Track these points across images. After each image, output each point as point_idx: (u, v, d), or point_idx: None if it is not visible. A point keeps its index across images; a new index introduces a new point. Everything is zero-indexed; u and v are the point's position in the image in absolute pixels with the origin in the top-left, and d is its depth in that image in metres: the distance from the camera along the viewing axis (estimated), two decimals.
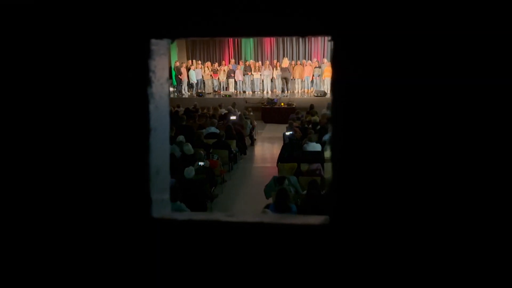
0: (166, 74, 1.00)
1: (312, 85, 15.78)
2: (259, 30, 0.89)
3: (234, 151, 8.76)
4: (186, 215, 1.00)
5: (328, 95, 14.73)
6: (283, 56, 18.11)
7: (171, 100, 14.74)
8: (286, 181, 5.77)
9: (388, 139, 0.86)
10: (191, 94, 16.04)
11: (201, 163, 6.76)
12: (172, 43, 1.00)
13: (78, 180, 0.98)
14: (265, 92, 15.83)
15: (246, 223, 0.95)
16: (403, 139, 0.86)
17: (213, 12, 0.86)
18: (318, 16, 0.84)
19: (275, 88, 16.02)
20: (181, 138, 7.89)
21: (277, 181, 5.85)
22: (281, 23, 0.85)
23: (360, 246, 0.90)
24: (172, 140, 7.94)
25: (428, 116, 0.83)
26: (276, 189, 5.66)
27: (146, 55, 0.91)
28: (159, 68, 0.95)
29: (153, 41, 0.92)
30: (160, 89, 0.97)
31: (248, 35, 0.94)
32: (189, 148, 7.48)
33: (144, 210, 0.96)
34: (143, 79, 0.92)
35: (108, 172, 0.97)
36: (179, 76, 15.74)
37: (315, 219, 0.95)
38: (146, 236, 0.96)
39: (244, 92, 16.01)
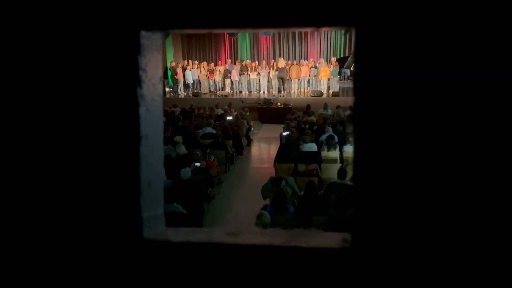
0: (159, 73, 0.87)
1: (308, 85, 15.77)
2: (266, 21, 0.75)
3: (231, 152, 8.72)
4: (183, 235, 0.85)
5: (325, 95, 14.78)
6: (280, 56, 18.10)
7: (167, 100, 14.73)
8: (283, 182, 5.73)
9: (423, 143, 0.73)
10: (187, 94, 15.98)
11: (197, 164, 6.71)
12: (166, 37, 0.92)
13: (55, 196, 0.84)
14: (261, 92, 15.79)
15: (253, 246, 0.80)
16: (441, 143, 0.73)
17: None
18: (338, 4, 0.72)
19: (272, 88, 15.99)
20: (177, 138, 7.84)
21: (274, 181, 5.81)
22: (292, 12, 0.73)
23: (390, 275, 0.75)
24: (168, 140, 7.88)
25: (467, 116, 0.71)
26: (273, 189, 5.62)
27: (135, 50, 0.79)
28: (151, 66, 0.83)
29: (144, 33, 0.79)
30: (152, 90, 0.84)
31: (253, 26, 0.78)
32: (181, 149, 7.43)
33: (133, 231, 0.82)
34: (132, 78, 0.79)
35: (90, 187, 0.83)
36: (175, 76, 15.67)
37: (333, 240, 0.80)
38: (136, 261, 0.83)
39: (241, 92, 15.96)
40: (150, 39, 0.81)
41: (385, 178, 0.75)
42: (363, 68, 0.74)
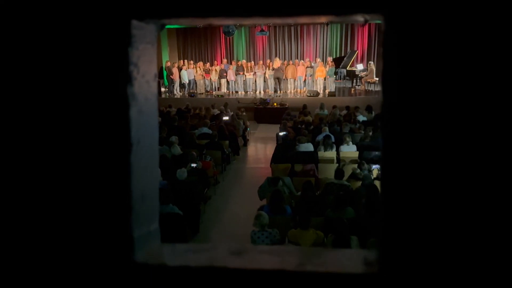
0: (154, 70, 0.75)
1: (304, 85, 15.75)
2: (275, 7, 0.63)
3: (227, 152, 8.67)
4: (181, 255, 0.72)
5: (321, 95, 14.76)
6: (276, 56, 18.06)
7: (163, 100, 14.64)
8: (280, 182, 5.69)
9: (471, 147, 0.61)
10: (183, 94, 15.90)
11: (193, 165, 6.66)
12: (161, 30, 0.78)
13: (34, 212, 0.71)
14: (257, 92, 15.75)
15: (262, 272, 0.68)
16: (491, 148, 0.61)
17: None
18: None
19: (268, 88, 15.95)
20: (173, 138, 7.78)
21: (271, 182, 5.77)
22: None
23: None
24: (164, 141, 7.82)
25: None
26: (270, 190, 5.58)
27: (125, 41, 0.67)
28: (143, 61, 0.71)
29: (135, 23, 0.68)
30: (146, 89, 0.72)
31: (261, 14, 0.64)
32: (177, 149, 7.37)
33: (123, 253, 0.70)
34: (121, 74, 0.67)
35: (71, 202, 0.70)
36: (170, 76, 15.59)
37: (354, 263, 0.67)
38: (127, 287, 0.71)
39: (237, 92, 15.91)
40: (143, 30, 0.70)
41: (423, 186, 0.62)
42: (393, 62, 0.64)
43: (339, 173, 5.82)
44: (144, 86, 0.72)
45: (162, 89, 16.15)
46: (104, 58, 0.68)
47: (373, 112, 11.03)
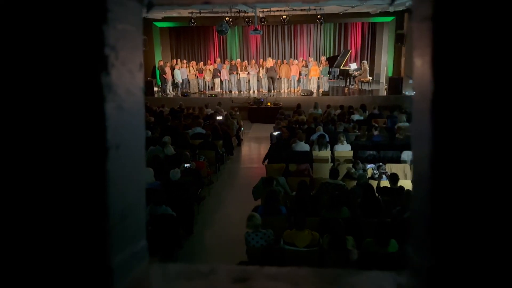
0: (139, 58, 0.62)
1: (298, 85, 15.72)
2: None
3: (221, 152, 8.60)
4: (172, 281, 0.63)
5: (315, 94, 14.74)
6: (269, 55, 18.02)
7: (156, 100, 14.53)
8: (274, 182, 5.64)
9: None
10: (176, 94, 15.79)
11: (187, 165, 6.59)
12: (148, 10, 0.65)
13: None
14: (251, 91, 15.69)
15: None
16: None
17: None
18: None
19: (262, 87, 15.90)
20: (166, 139, 7.70)
21: (265, 182, 5.72)
22: None
23: None
24: (157, 141, 7.73)
25: None
26: (265, 190, 5.53)
27: (99, 16, 0.53)
28: (125, 45, 0.57)
29: None
30: (128, 80, 0.58)
31: None
32: (170, 149, 7.30)
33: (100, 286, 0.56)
34: (93, 58, 0.53)
35: (32, 225, 0.55)
36: (163, 75, 15.47)
37: None
38: None
39: (230, 91, 15.84)
40: (123, 7, 0.57)
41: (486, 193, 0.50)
42: (447, 63, 0.50)
43: (334, 172, 5.79)
44: (125, 76, 0.58)
45: (155, 89, 16.02)
46: (72, 36, 0.53)
47: (366, 111, 11.03)
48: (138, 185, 0.63)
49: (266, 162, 7.47)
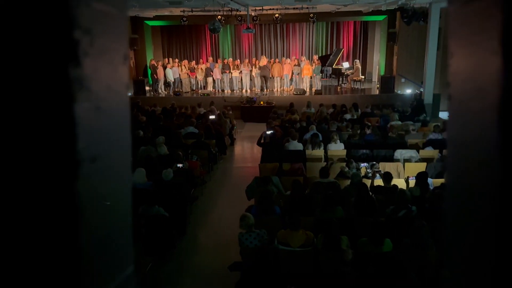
0: (124, 49, 0.50)
1: (291, 83, 15.71)
2: None
3: (214, 151, 8.55)
4: None
5: (307, 93, 14.73)
6: (262, 54, 17.97)
7: (147, 99, 14.41)
8: (270, 182, 5.61)
9: None
10: (168, 93, 15.68)
11: (179, 165, 6.53)
12: None
13: None
14: (244, 90, 15.64)
15: None
16: None
17: None
18: None
19: (254, 86, 15.86)
20: (160, 139, 7.63)
21: (262, 181, 5.68)
22: None
23: None
24: (149, 140, 7.66)
25: None
26: (258, 190, 5.49)
27: None
28: (103, 30, 0.46)
29: None
30: (109, 73, 0.47)
31: None
32: (163, 149, 7.24)
33: None
34: (58, 44, 0.41)
35: None
36: (155, 74, 15.35)
37: None
38: None
39: (223, 90, 15.77)
40: None
41: None
42: None
43: (324, 171, 5.76)
44: (104, 69, 0.46)
45: (147, 88, 15.90)
46: (27, 12, 0.40)
47: (359, 110, 11.06)
48: (122, 204, 0.50)
49: (261, 160, 7.44)
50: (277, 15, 14.78)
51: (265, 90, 15.50)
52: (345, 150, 7.39)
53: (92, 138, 0.44)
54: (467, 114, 0.42)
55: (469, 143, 0.42)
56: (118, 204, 0.50)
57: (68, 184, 0.41)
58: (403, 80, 14.91)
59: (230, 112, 12.11)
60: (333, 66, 16.41)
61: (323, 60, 16.65)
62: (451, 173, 0.46)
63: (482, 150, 0.40)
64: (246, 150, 10.67)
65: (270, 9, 14.09)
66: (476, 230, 0.42)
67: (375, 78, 17.10)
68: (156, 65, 15.37)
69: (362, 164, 6.65)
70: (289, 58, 16.79)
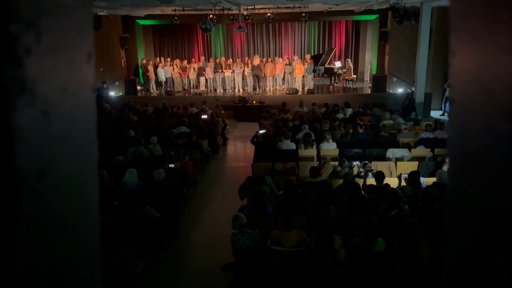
0: (87, 46, 0.44)
1: (283, 83, 15.71)
2: None
3: (206, 151, 8.50)
4: None
5: (300, 92, 14.74)
6: (254, 53, 17.94)
7: (139, 99, 14.30)
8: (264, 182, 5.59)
9: None
10: (160, 92, 15.58)
11: (171, 165, 6.47)
12: None
13: None
14: (236, 90, 15.60)
15: None
16: None
17: None
18: None
19: (247, 86, 15.83)
20: (153, 139, 7.57)
21: (255, 181, 5.65)
22: None
23: None
24: (141, 140, 7.58)
25: None
26: (251, 190, 5.47)
27: None
28: (56, 24, 0.40)
29: None
30: (65, 74, 0.41)
31: None
32: (155, 149, 7.18)
33: None
34: None
35: None
36: (146, 74, 15.24)
37: None
38: None
39: (215, 90, 15.71)
40: None
41: None
42: None
43: (313, 171, 5.74)
44: (58, 69, 0.39)
45: (138, 87, 15.78)
46: None
47: (351, 109, 11.08)
48: (87, 226, 0.42)
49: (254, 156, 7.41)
50: (269, 14, 14.76)
51: (258, 89, 15.47)
52: (338, 150, 7.39)
53: (39, 150, 0.37)
54: (472, 120, 0.38)
55: (475, 154, 0.38)
56: (81, 226, 0.43)
57: (5, 205, 0.34)
58: (394, 79, 14.99)
59: (223, 111, 12.06)
60: (325, 66, 16.45)
61: (315, 59, 16.68)
62: (454, 189, 0.42)
63: (490, 162, 0.36)
64: (239, 150, 10.63)
65: (262, 8, 14.06)
66: (483, 255, 0.38)
67: (367, 77, 17.17)
68: (147, 64, 15.26)
69: (354, 163, 6.66)
70: (281, 57, 16.78)
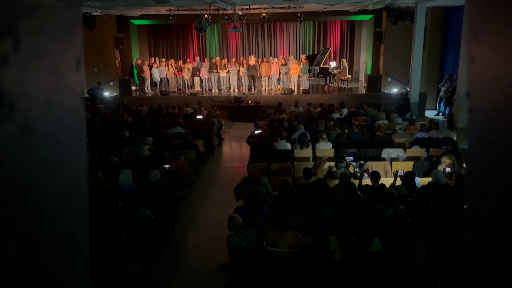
0: (76, 51, 0.40)
1: (279, 83, 15.70)
2: None
3: (202, 152, 8.47)
4: None
5: (295, 92, 14.73)
6: (249, 53, 17.92)
7: (134, 99, 14.22)
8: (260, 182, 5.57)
9: None
10: (155, 92, 15.51)
11: (166, 166, 6.44)
12: None
13: None
14: (231, 90, 15.57)
15: None
16: None
17: None
18: None
19: (242, 86, 15.80)
20: (148, 140, 7.52)
21: (251, 182, 5.63)
22: None
23: None
24: (135, 141, 7.54)
25: None
26: (247, 190, 5.44)
27: None
28: (40, 30, 0.36)
29: None
30: (50, 84, 0.37)
31: None
32: (146, 150, 7.14)
33: None
34: None
35: None
36: (141, 74, 15.16)
37: None
38: None
39: (210, 90, 15.67)
40: None
41: None
42: None
43: (306, 172, 5.72)
44: (41, 78, 0.35)
45: (133, 88, 15.70)
46: None
47: (346, 109, 11.09)
48: (75, 245, 0.39)
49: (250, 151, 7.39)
50: (264, 14, 14.74)
51: (253, 89, 15.45)
52: (333, 150, 7.39)
53: (19, 171, 0.33)
54: (495, 133, 0.35)
55: (496, 167, 0.35)
56: (68, 244, 0.40)
57: None
58: (389, 79, 15.04)
59: (218, 111, 12.03)
60: (321, 66, 16.46)
61: (311, 59, 16.68)
62: (472, 200, 0.39)
63: None
64: (234, 150, 10.61)
65: (257, 8, 14.04)
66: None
67: (362, 77, 17.21)
68: (142, 64, 15.19)
69: (349, 159, 6.61)
70: (276, 57, 16.78)
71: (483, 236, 0.39)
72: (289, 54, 17.78)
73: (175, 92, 15.59)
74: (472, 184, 0.39)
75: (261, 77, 15.52)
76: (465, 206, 0.39)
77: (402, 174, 5.76)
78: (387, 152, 7.14)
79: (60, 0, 0.36)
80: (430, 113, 13.24)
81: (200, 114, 10.53)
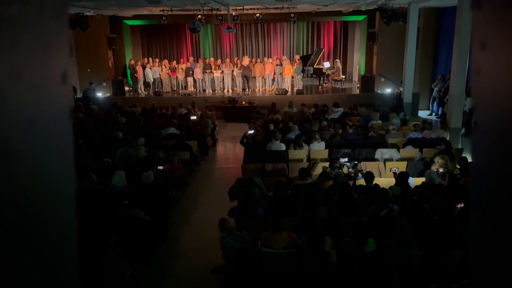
0: (61, 64, 0.36)
1: (273, 83, 15.70)
2: None
3: (196, 152, 8.44)
4: None
5: (289, 93, 14.75)
6: (243, 53, 17.89)
7: (127, 100, 14.13)
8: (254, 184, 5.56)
9: None
10: (148, 93, 15.42)
11: (160, 167, 6.40)
12: None
13: None
14: (225, 90, 15.54)
15: None
16: None
17: None
18: None
19: (236, 86, 15.77)
20: (140, 141, 7.47)
21: (245, 183, 5.61)
22: None
23: None
24: (129, 142, 7.49)
25: None
26: (241, 191, 5.43)
27: None
28: (18, 44, 0.31)
29: None
30: (31, 103, 0.33)
31: None
32: (143, 151, 7.09)
33: None
34: None
35: None
36: (134, 74, 15.08)
37: None
38: None
39: (204, 90, 15.62)
40: None
41: None
42: None
43: (302, 172, 5.72)
44: (22, 97, 0.32)
45: (126, 88, 15.60)
46: None
47: (341, 109, 11.12)
48: (65, 257, 0.36)
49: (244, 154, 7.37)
50: (258, 14, 14.73)
51: (247, 90, 15.44)
52: (327, 150, 7.40)
53: None
54: (501, 149, 0.32)
55: (504, 184, 0.32)
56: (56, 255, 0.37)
57: None
58: (382, 79, 15.11)
59: (212, 112, 12.00)
60: (314, 66, 16.49)
61: (304, 60, 16.70)
62: (478, 212, 0.37)
63: None
64: (229, 151, 10.59)
65: (251, 8, 14.02)
66: None
67: (355, 77, 17.27)
68: (135, 65, 15.10)
69: (343, 160, 6.62)
70: (270, 58, 16.78)
71: (490, 241, 0.38)
72: (283, 54, 17.79)
73: (168, 92, 15.52)
74: (478, 197, 0.38)
75: (255, 78, 15.51)
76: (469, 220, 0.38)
77: (397, 171, 5.78)
78: (380, 153, 7.16)
79: (43, 11, 0.32)
80: (423, 113, 13.33)
81: (194, 115, 10.50)
